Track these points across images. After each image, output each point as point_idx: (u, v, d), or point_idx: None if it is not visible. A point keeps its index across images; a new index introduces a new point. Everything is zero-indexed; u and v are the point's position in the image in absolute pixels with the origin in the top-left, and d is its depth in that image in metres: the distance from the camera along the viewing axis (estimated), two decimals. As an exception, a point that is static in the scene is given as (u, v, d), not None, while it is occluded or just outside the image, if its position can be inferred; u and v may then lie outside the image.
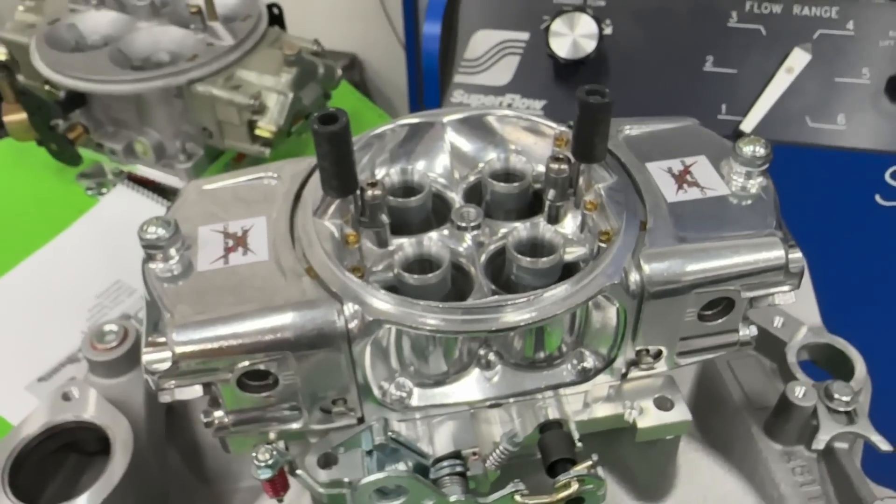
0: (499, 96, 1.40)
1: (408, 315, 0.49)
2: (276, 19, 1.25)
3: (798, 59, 1.32)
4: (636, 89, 1.37)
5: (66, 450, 0.77)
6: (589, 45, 1.32)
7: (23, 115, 1.12)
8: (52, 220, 1.18)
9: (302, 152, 1.23)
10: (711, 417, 0.85)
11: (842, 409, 0.79)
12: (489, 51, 1.42)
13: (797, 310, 0.93)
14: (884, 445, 0.78)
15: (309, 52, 1.10)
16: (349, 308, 0.49)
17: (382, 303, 0.49)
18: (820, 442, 0.78)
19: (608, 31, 1.36)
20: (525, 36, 1.41)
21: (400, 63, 2.05)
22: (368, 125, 1.36)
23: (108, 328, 0.79)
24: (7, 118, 1.11)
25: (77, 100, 1.09)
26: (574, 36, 1.31)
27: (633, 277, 0.51)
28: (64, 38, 1.13)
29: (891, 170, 1.31)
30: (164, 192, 1.20)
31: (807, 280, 0.88)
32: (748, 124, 1.31)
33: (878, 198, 1.34)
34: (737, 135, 1.28)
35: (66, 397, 0.73)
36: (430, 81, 1.41)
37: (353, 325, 0.49)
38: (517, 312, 0.49)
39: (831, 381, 0.81)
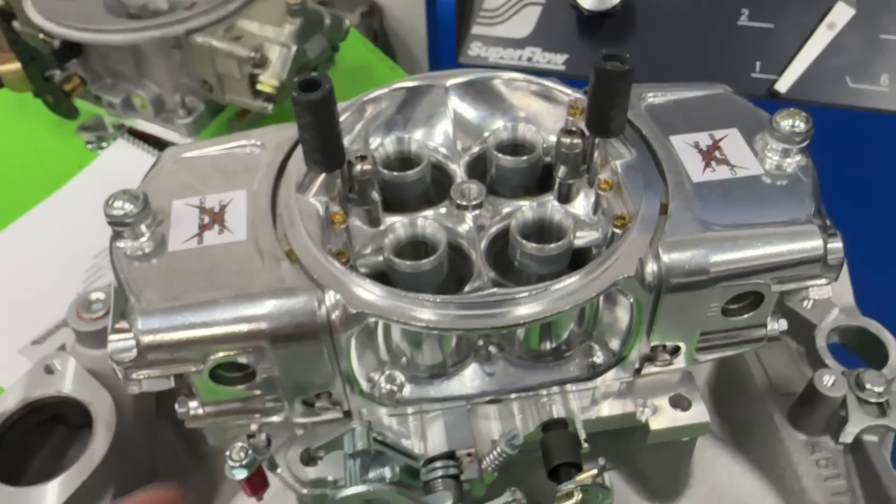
0: (518, 49, 1.33)
1: (396, 308, 0.44)
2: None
3: (841, 13, 1.22)
4: (664, 44, 1.28)
5: (52, 423, 0.74)
6: (616, -4, 1.23)
7: (17, 65, 1.07)
8: (51, 175, 1.14)
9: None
10: (731, 402, 0.80)
11: (873, 399, 0.74)
12: (509, 0, 1.34)
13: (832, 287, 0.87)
14: (918, 441, 0.72)
15: (315, 0, 1.03)
16: (331, 297, 0.44)
17: (368, 293, 0.44)
18: (848, 435, 0.73)
19: (637, -20, 1.27)
20: (548, -15, 1.33)
21: (423, 10, 1.96)
22: (379, 80, 1.29)
23: (95, 297, 0.75)
24: (1, 68, 1.06)
25: (72, 50, 1.04)
26: (600, -14, 1.23)
27: (651, 268, 0.46)
28: (58, -17, 1.07)
29: (935, 136, 1.22)
30: (165, 147, 1.15)
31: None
32: (784, 84, 1.22)
33: (918, 167, 1.25)
34: (771, 94, 1.19)
35: (49, 370, 0.70)
36: (446, 33, 1.33)
37: (334, 316, 0.44)
38: (520, 307, 0.44)
39: (863, 370, 0.75)
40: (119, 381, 0.72)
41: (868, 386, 0.73)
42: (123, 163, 1.14)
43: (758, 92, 1.22)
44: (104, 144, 1.17)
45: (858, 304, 0.86)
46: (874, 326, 0.81)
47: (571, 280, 0.44)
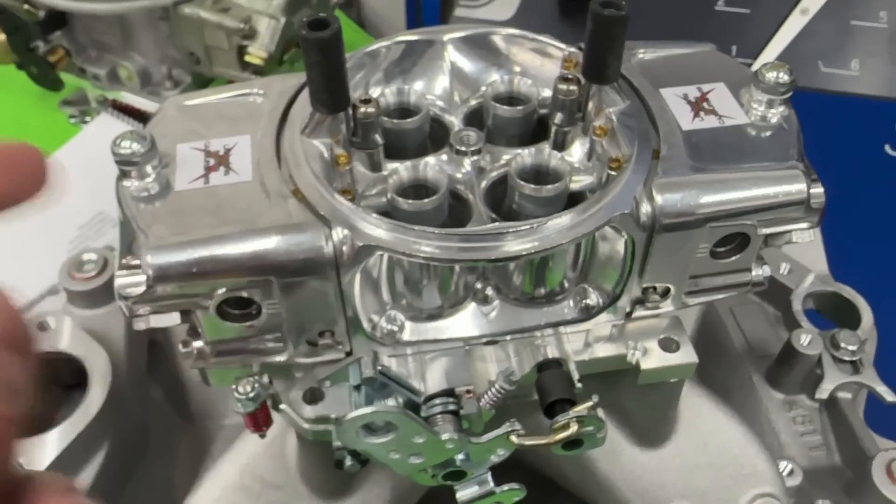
0: (501, 32, 1.35)
1: (402, 241, 0.45)
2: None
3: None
4: (645, 28, 1.31)
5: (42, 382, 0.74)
6: (597, -20, 1.25)
7: (0, 36, 1.07)
8: (34, 148, 1.13)
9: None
10: (712, 364, 0.83)
11: (847, 358, 0.77)
12: (492, -17, 1.36)
13: (804, 257, 0.90)
14: (889, 396, 0.75)
15: (303, -26, 1.04)
16: (338, 233, 0.45)
17: (375, 227, 0.46)
18: (824, 391, 0.76)
19: (617, -36, 1.30)
20: (530, -32, 1.35)
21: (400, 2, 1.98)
22: (364, 58, 1.29)
23: (87, 257, 0.76)
24: (-17, 39, 1.06)
25: (58, 20, 1.04)
26: (582, -31, 1.25)
27: (645, 208, 0.48)
28: (42, -46, 1.07)
29: (903, 119, 1.26)
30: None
31: (815, 226, 0.85)
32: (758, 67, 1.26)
33: (887, 147, 1.30)
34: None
35: (43, 327, 0.70)
36: (429, 15, 1.35)
37: (342, 250, 0.45)
38: (519, 241, 0.45)
39: (838, 330, 0.78)
40: (111, 341, 0.73)
41: (843, 345, 0.77)
42: (107, 137, 1.12)
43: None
44: (87, 119, 1.17)
45: (832, 273, 0.89)
46: (847, 292, 0.85)
47: (569, 215, 0.46)
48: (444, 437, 0.45)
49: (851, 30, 1.26)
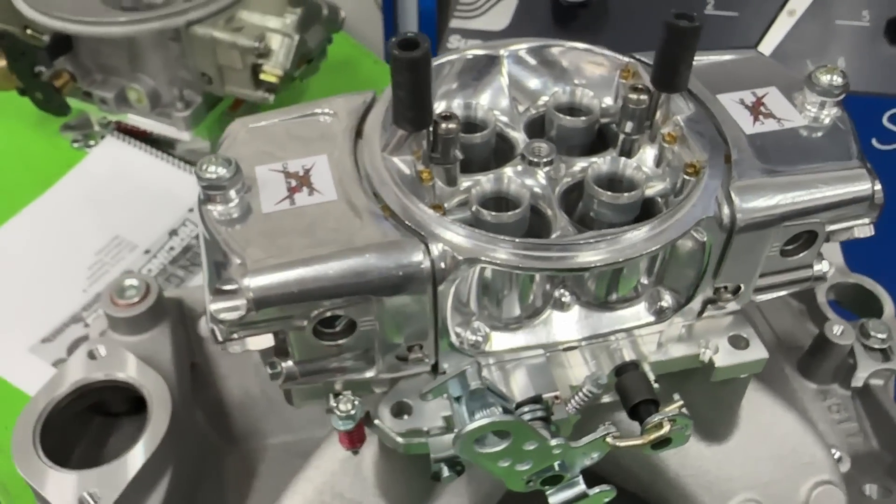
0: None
1: (505, 253, 0.46)
2: (269, -41, 1.18)
3: (799, 1, 1.31)
4: (637, 33, 1.34)
5: (90, 411, 0.73)
6: (591, -12, 1.28)
7: (1, 62, 1.05)
8: (39, 176, 1.11)
9: (305, 98, 1.18)
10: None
11: (878, 346, 0.80)
12: (486, -6, 1.38)
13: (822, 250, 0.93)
14: (921, 380, 0.78)
15: (311, -9, 1.04)
16: (436, 248, 0.46)
17: (471, 241, 0.46)
18: (858, 379, 0.78)
19: (608, -28, 1.33)
20: (523, -22, 1.37)
21: (375, 18, 1.98)
22: (365, 72, 1.31)
23: (129, 283, 0.75)
24: (-16, 65, 1.04)
25: (63, 44, 1.02)
26: (576, -22, 1.28)
27: (725, 210, 0.49)
28: (44, -23, 1.05)
29: (888, 113, 1.31)
30: (157, 143, 1.14)
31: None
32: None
33: (874, 141, 1.34)
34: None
35: (92, 356, 0.69)
36: (427, 26, 1.36)
37: (441, 265, 0.46)
38: (615, 248, 0.47)
39: (866, 320, 0.81)
40: (159, 365, 0.72)
41: (873, 333, 0.79)
42: (114, 159, 1.13)
43: (727, 76, 1.29)
44: (91, 143, 1.16)
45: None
46: (868, 282, 0.88)
47: (656, 220, 0.48)
48: (553, 442, 0.46)
49: (836, 29, 1.30)
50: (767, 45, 1.32)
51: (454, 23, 1.38)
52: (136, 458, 0.62)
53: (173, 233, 1.04)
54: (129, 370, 0.67)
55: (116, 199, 1.08)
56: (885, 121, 1.33)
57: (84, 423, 0.73)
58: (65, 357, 0.92)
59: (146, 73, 1.05)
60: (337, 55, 1.25)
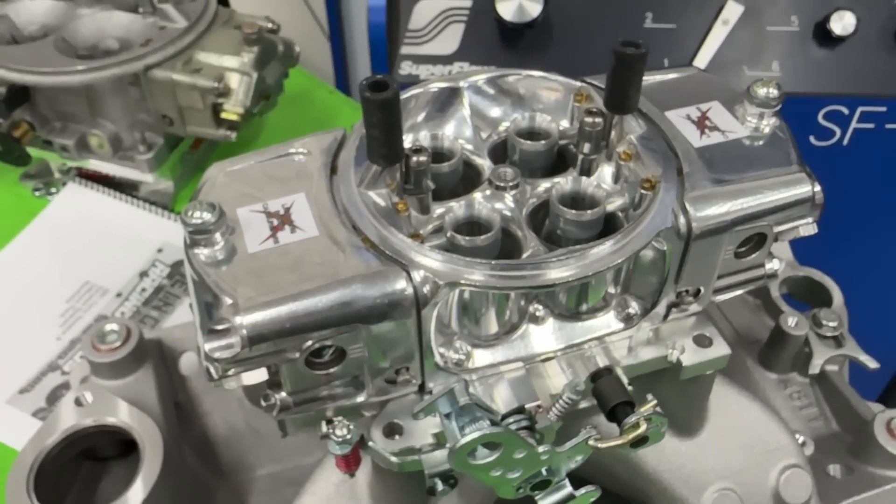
0: (447, 65, 1.40)
1: (481, 276, 0.49)
2: (220, -1, 1.20)
3: (732, 10, 1.37)
4: (582, 49, 1.39)
5: (80, 457, 0.74)
6: (535, 9, 1.33)
7: (-44, 117, 1.05)
8: (2, 227, 1.11)
9: (265, 132, 1.20)
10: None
11: (830, 334, 0.85)
12: (433, 20, 1.42)
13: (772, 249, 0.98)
14: (871, 363, 0.83)
15: (265, 30, 1.07)
16: (418, 275, 0.49)
17: (449, 265, 0.49)
18: (815, 367, 0.83)
19: (549, -7, 1.38)
20: (468, 2, 1.41)
21: (323, 49, 2.01)
22: (322, 103, 1.34)
23: (109, 328, 0.76)
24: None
25: (21, 95, 1.03)
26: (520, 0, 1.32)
27: (681, 220, 0.53)
28: (-3, 30, 1.06)
29: (823, 111, 1.38)
30: (119, 187, 1.15)
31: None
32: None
33: (812, 139, 1.41)
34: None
35: (79, 402, 0.70)
36: (378, 53, 1.39)
37: (424, 290, 0.49)
38: (597, 258, 0.50)
39: (818, 310, 0.86)
40: (146, 407, 0.73)
41: (825, 323, 0.84)
42: (78, 205, 1.13)
43: (670, 85, 1.34)
44: (53, 190, 1.16)
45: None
46: (817, 274, 0.93)
47: (619, 235, 0.51)
48: (541, 449, 0.49)
49: (769, 35, 1.37)
50: (705, 54, 1.38)
51: (405, 49, 1.41)
52: (133, 500, 0.63)
53: (144, 274, 1.05)
54: (119, 414, 0.68)
55: (83, 244, 1.08)
56: (820, 119, 1.40)
57: (74, 470, 0.74)
58: (44, 406, 0.92)
59: (106, 118, 1.06)
60: (293, 88, 1.27)
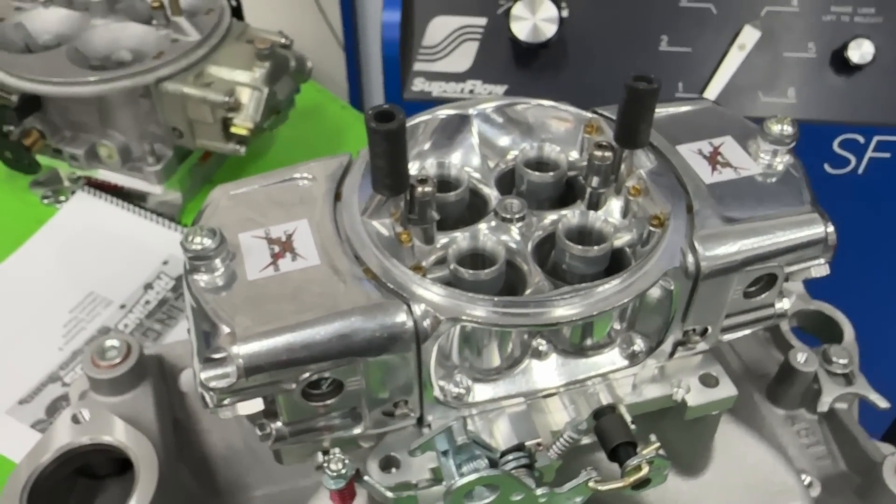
0: (460, 83, 1.40)
1: (484, 312, 0.48)
2: (234, 12, 1.20)
3: (749, 35, 1.36)
4: (595, 71, 1.38)
5: (75, 475, 0.73)
6: (549, 29, 1.32)
7: (-33, 123, 1.05)
8: (9, 234, 1.11)
9: (275, 146, 1.20)
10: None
11: (840, 371, 0.83)
12: (447, 37, 1.41)
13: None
14: (882, 403, 0.82)
15: (278, 45, 1.07)
16: (419, 308, 0.48)
17: (452, 300, 0.48)
18: (824, 404, 0.81)
19: (564, 13, 1.37)
20: (483, 21, 1.41)
21: (338, 61, 2.01)
22: (333, 118, 1.34)
23: (110, 344, 0.75)
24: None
25: (33, 104, 1.03)
26: (535, 20, 1.32)
27: (689, 259, 0.52)
28: (11, 38, 1.06)
29: (838, 139, 1.37)
30: (128, 197, 1.15)
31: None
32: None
33: (827, 167, 1.40)
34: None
35: (76, 420, 0.69)
36: (390, 70, 1.39)
37: (424, 324, 0.48)
38: (604, 296, 0.49)
39: (828, 346, 0.85)
40: (143, 425, 0.73)
41: (835, 359, 0.83)
42: (85, 214, 1.13)
43: (683, 110, 1.34)
44: (62, 198, 1.16)
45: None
46: (828, 309, 0.92)
47: (627, 273, 0.50)
48: (539, 491, 0.48)
49: (785, 61, 1.36)
50: (720, 79, 1.37)
51: (417, 66, 1.41)
52: (126, 521, 0.63)
53: (148, 286, 1.04)
54: (115, 433, 0.68)
55: (89, 254, 1.08)
56: (836, 147, 1.38)
57: (70, 487, 0.73)
58: (44, 417, 0.91)
59: (116, 129, 1.06)
60: (304, 102, 1.27)
